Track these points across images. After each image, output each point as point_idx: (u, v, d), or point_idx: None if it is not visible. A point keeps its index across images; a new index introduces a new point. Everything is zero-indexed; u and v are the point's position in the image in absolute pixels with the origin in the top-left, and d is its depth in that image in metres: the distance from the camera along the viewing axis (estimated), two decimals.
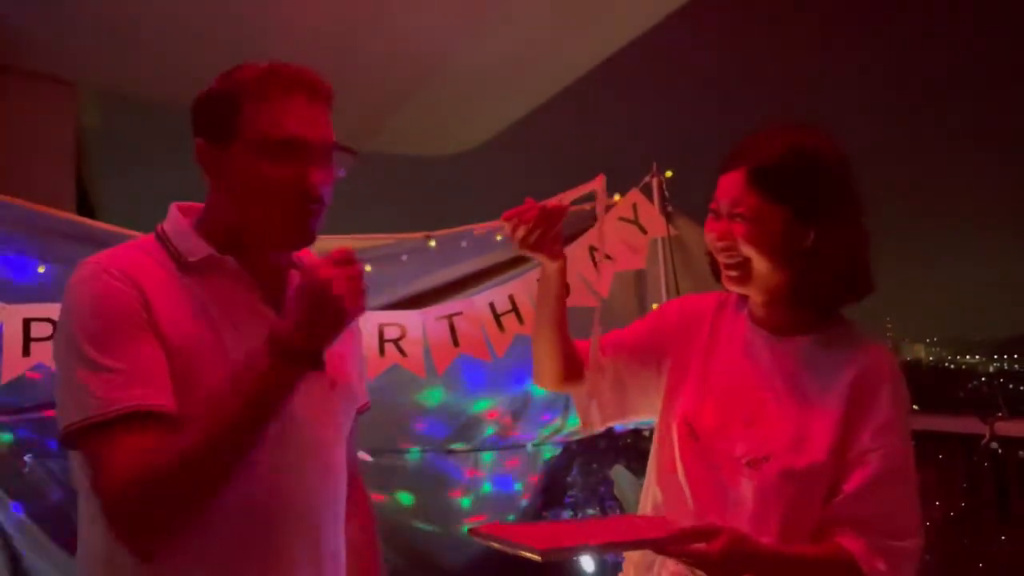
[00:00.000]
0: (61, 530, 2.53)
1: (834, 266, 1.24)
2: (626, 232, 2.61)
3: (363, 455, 1.97)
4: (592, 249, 2.41)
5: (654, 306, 2.60)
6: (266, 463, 1.07)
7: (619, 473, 3.14)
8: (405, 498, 3.10)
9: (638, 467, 3.09)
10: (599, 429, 1.48)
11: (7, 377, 2.14)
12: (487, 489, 3.19)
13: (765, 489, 1.23)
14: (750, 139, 1.28)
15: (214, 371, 1.06)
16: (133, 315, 1.04)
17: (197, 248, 1.12)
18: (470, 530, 1.10)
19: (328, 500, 1.19)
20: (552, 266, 1.37)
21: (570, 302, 1.41)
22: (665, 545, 1.11)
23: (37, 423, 2.48)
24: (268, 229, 1.13)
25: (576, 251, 2.42)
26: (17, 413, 2.48)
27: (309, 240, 1.15)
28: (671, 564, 1.25)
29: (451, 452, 3.11)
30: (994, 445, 2.64)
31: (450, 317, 2.54)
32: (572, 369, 1.44)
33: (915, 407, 2.93)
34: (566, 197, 1.34)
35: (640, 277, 2.89)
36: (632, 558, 1.39)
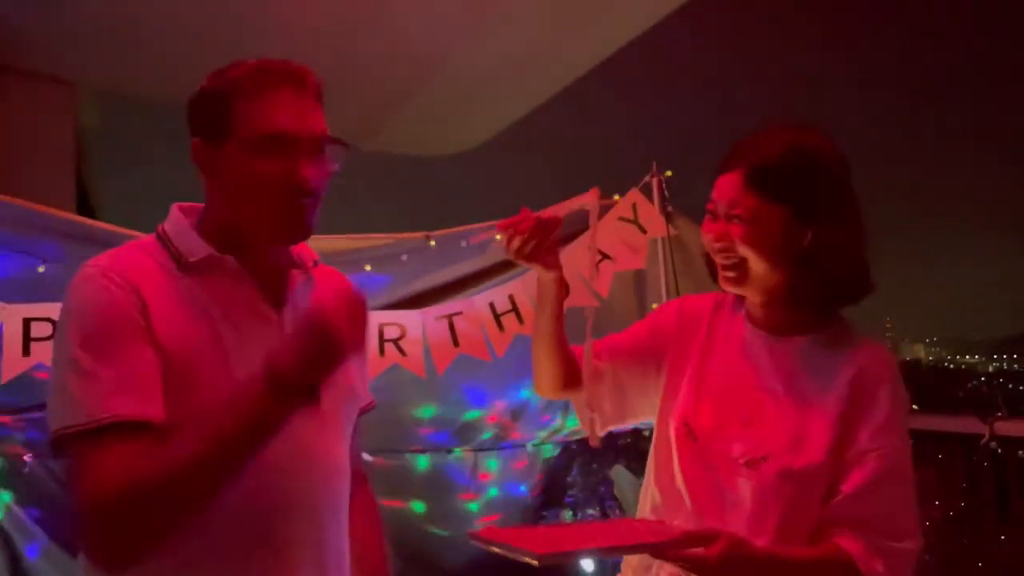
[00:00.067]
0: (61, 530, 2.53)
1: (832, 266, 1.24)
2: (626, 232, 2.62)
3: (366, 456, 1.97)
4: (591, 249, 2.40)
5: (654, 306, 2.60)
6: (268, 463, 1.07)
7: (619, 473, 3.14)
8: (418, 506, 3.12)
9: (638, 467, 3.09)
10: (601, 435, 1.49)
11: (7, 377, 2.14)
12: (494, 493, 3.20)
13: (763, 489, 1.23)
14: (747, 140, 1.28)
15: (214, 372, 1.06)
16: (128, 321, 1.03)
17: (197, 248, 1.13)
18: (469, 534, 1.11)
19: (330, 499, 1.19)
20: (548, 276, 1.37)
21: (569, 302, 1.41)
22: (664, 550, 1.11)
23: (41, 423, 2.48)
24: (262, 225, 1.13)
25: (575, 251, 2.42)
26: (18, 412, 2.48)
27: (305, 234, 1.15)
28: (668, 566, 1.25)
29: (456, 456, 3.12)
30: (994, 445, 2.64)
31: (450, 317, 2.54)
32: (571, 376, 1.44)
33: (915, 407, 2.93)
34: (560, 209, 1.33)
35: (640, 277, 2.89)
36: (630, 560, 1.39)
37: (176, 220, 1.17)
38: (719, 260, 1.30)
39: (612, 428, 1.50)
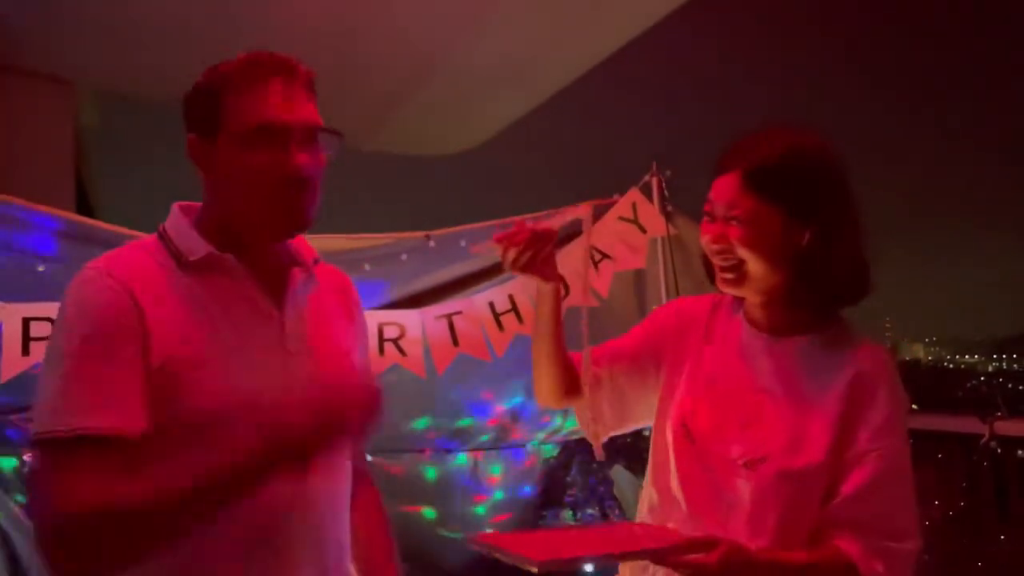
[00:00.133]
0: None
1: (831, 267, 1.24)
2: (625, 231, 2.62)
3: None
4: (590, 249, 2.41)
5: (653, 307, 2.60)
6: None
7: (619, 473, 3.14)
8: (429, 512, 3.13)
9: (638, 467, 3.09)
10: (603, 440, 1.49)
11: (6, 376, 2.14)
12: (500, 496, 3.20)
13: (762, 490, 1.23)
14: (744, 141, 1.28)
15: (212, 373, 1.06)
16: (120, 328, 1.02)
17: (197, 247, 1.12)
18: (470, 539, 1.11)
19: (331, 499, 1.18)
20: (545, 287, 1.37)
21: (569, 302, 1.41)
22: (664, 556, 1.12)
23: None
24: (259, 219, 1.12)
25: (574, 251, 2.42)
26: (18, 412, 2.48)
27: (303, 226, 1.14)
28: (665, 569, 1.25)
29: (459, 462, 3.13)
30: (993, 444, 2.64)
31: (450, 316, 2.54)
32: (571, 384, 1.44)
33: (914, 406, 2.93)
34: (554, 222, 1.34)
35: (640, 277, 2.89)
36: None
37: (176, 219, 1.17)
38: (717, 261, 1.29)
39: (612, 434, 1.50)
